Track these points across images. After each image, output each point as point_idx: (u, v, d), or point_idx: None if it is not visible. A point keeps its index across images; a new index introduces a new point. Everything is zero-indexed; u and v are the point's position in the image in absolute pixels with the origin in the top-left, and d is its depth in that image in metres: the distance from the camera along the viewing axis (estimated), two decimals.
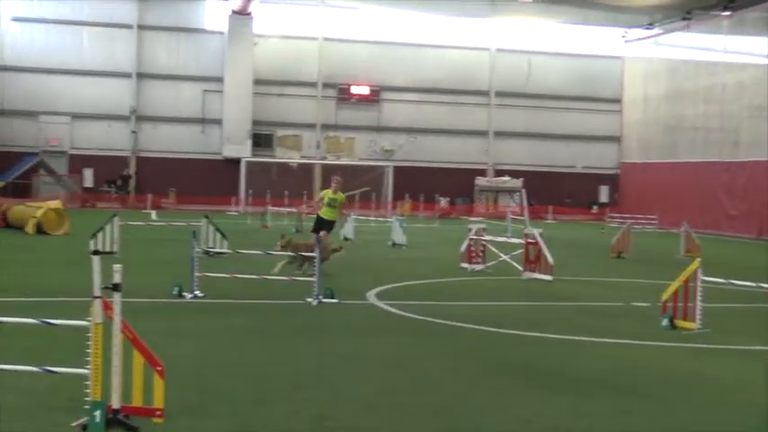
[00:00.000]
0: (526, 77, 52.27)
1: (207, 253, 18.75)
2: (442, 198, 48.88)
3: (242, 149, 48.17)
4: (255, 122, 49.08)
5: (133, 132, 48.64)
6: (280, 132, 50.54)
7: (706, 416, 8.03)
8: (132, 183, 48.17)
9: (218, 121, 48.83)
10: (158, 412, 6.91)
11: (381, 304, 14.14)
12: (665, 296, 12.81)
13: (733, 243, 34.43)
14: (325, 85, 50.57)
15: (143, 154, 48.81)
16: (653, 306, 13.61)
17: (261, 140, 49.66)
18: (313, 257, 14.33)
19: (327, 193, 19.47)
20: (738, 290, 14.44)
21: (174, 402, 7.17)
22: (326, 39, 50.27)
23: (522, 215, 25.14)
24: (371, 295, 15.04)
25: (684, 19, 44.65)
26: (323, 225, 19.20)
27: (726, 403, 8.53)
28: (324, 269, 14.64)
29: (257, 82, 48.82)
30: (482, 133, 52.39)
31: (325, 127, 50.97)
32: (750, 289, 13.97)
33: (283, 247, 17.15)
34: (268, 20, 49.28)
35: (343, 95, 50.79)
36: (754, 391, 9.09)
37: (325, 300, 13.80)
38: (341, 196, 19.55)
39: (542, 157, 52.02)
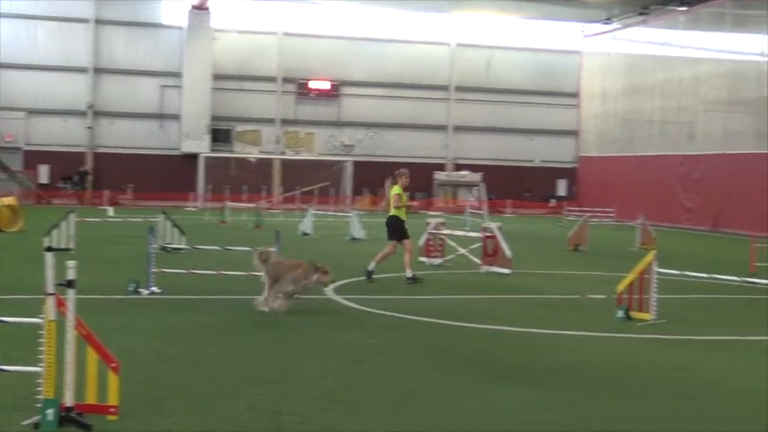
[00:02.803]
0: (486, 72, 52.48)
1: (164, 249, 18.62)
2: None
3: (201, 145, 47.89)
4: (214, 118, 48.82)
5: (90, 128, 48.17)
6: (239, 127, 50.32)
7: (663, 405, 8.12)
8: (89, 179, 47.68)
9: (177, 117, 48.49)
10: (112, 409, 6.85)
11: (340, 299, 14.14)
12: (620, 288, 12.93)
13: (688, 235, 34.83)
14: (285, 80, 50.42)
15: (100, 150, 48.35)
16: (609, 298, 13.73)
17: (220, 136, 49.42)
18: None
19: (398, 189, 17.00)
20: (693, 281, 14.60)
21: (129, 399, 7.12)
22: (286, 33, 50.12)
23: (480, 209, 25.20)
24: (330, 290, 15.01)
25: (642, 14, 45.06)
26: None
27: (681, 392, 8.63)
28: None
29: (216, 77, 48.56)
30: (441, 128, 52.52)
31: (285, 122, 50.82)
32: (704, 280, 14.15)
33: (263, 262, 12.93)
34: (227, 15, 49.01)
35: (303, 90, 50.66)
36: (709, 380, 9.22)
37: None
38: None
39: (501, 152, 52.27)
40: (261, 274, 12.76)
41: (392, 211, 17.00)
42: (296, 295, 12.68)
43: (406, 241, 16.84)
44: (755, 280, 13.82)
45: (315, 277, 12.61)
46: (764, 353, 10.76)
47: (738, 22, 38.03)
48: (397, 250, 17.00)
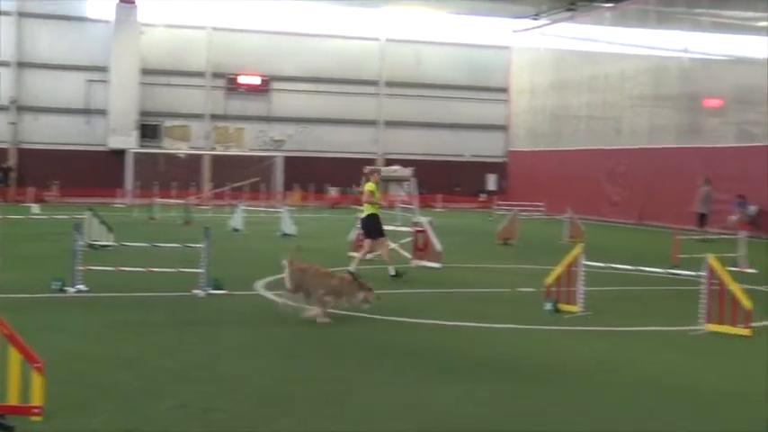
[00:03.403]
0: (416, 67, 52.65)
1: (91, 246, 18.33)
2: (332, 188, 48.89)
3: (128, 140, 47.19)
4: (142, 113, 48.17)
5: (13, 123, 47.14)
6: (168, 123, 49.73)
7: (591, 395, 8.26)
8: (13, 175, 46.66)
9: (104, 112, 47.72)
10: (36, 410, 6.71)
11: (270, 294, 14.07)
12: (548, 281, 13.11)
13: (615, 228, 35.40)
14: (214, 75, 49.97)
15: (24, 146, 47.34)
16: (538, 291, 13.89)
17: (148, 131, 48.76)
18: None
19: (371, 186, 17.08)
20: (619, 273, 14.85)
21: (54, 399, 6.98)
22: (215, 28, 49.65)
23: (411, 204, 25.29)
24: (260, 286, 14.95)
25: (569, 10, 45.63)
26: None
27: (608, 382, 8.79)
28: None
29: (144, 72, 47.90)
30: (372, 123, 52.58)
31: (215, 117, 50.38)
32: (629, 272, 14.41)
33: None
34: (154, 9, 48.37)
35: (233, 85, 50.27)
36: (635, 370, 9.40)
37: (212, 291, 13.66)
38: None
39: (432, 146, 52.50)
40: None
41: (366, 211, 17.08)
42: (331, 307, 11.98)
43: (369, 241, 17.01)
44: (678, 271, 14.13)
45: (361, 295, 11.98)
46: (689, 342, 11.00)
47: (662, 19, 38.73)
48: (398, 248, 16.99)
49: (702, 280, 11.75)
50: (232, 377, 8.56)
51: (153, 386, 8.08)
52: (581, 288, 12.77)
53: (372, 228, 17.03)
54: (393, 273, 16.70)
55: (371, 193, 16.95)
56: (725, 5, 34.98)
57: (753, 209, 31.56)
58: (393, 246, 20.04)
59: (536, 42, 49.05)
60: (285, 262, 12.19)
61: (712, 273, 11.61)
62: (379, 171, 17.63)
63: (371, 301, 12.04)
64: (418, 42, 52.58)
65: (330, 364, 9.32)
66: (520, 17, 49.78)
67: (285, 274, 12.12)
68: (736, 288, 11.41)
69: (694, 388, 8.67)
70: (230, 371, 8.83)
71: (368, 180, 17.31)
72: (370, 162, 51.41)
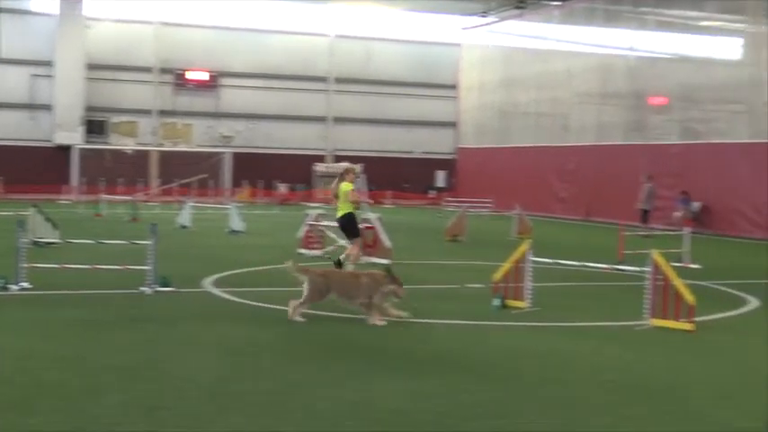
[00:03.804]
0: (365, 64, 52.61)
1: (36, 243, 18.07)
2: (281, 184, 48.71)
3: (74, 136, 46.53)
4: (89, 108, 47.54)
5: None
6: (114, 119, 49.11)
7: (537, 390, 8.31)
8: None
9: (49, 107, 47.00)
10: None
11: (218, 292, 14.00)
12: (496, 277, 13.19)
13: (562, 224, 35.74)
14: (162, 71, 49.47)
15: None
16: (486, 287, 13.97)
17: (94, 127, 48.12)
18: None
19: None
20: (566, 269, 14.99)
21: None
22: (163, 23, 49.16)
23: (361, 200, 25.30)
24: (208, 283, 14.86)
25: (518, 8, 45.91)
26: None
27: (555, 377, 8.86)
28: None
29: (90, 67, 47.26)
30: (321, 119, 52.46)
31: (162, 113, 49.89)
32: (576, 268, 14.56)
33: (303, 272, 12.01)
34: (100, 3, 47.73)
35: (181, 81, 49.81)
36: (581, 365, 9.49)
37: (159, 288, 13.54)
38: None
39: (381, 143, 52.54)
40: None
41: (342, 210, 16.91)
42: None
43: (355, 239, 17.07)
44: (623, 267, 14.28)
45: (392, 288, 11.76)
46: (635, 337, 11.14)
47: (609, 18, 39.15)
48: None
49: (647, 275, 11.90)
50: (179, 375, 8.49)
51: (97, 385, 7.98)
52: (528, 284, 12.87)
53: (353, 227, 17.01)
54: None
55: (351, 192, 16.85)
56: (670, 5, 35.47)
57: (696, 205, 32.08)
58: (342, 243, 20.04)
59: (485, 40, 49.31)
60: (298, 273, 11.89)
61: (657, 268, 11.77)
62: (354, 170, 17.45)
63: (401, 296, 11.89)
64: (368, 39, 52.54)
65: (279, 361, 9.28)
66: (469, 14, 49.96)
67: (305, 285, 11.71)
68: (679, 283, 11.58)
69: (639, 382, 8.77)
70: (177, 369, 8.76)
71: (342, 179, 17.07)
72: (320, 159, 51.37)
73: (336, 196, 16.98)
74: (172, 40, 49.08)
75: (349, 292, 11.80)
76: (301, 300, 11.68)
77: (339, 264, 16.65)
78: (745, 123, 32.60)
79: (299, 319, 11.54)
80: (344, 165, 17.63)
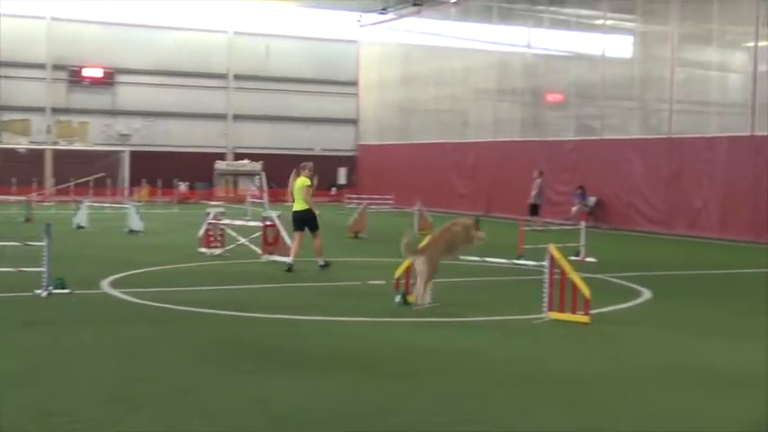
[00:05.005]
0: (264, 60, 52.27)
1: None
2: (180, 183, 48.05)
3: None
4: None
5: None
6: (5, 116, 47.72)
7: (438, 384, 8.41)
8: None
9: None
10: None
11: (116, 293, 13.76)
12: (397, 273, 13.28)
13: None
14: (56, 67, 48.24)
15: None
16: (388, 283, 14.05)
17: None
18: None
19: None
20: (466, 264, 15.17)
21: None
22: (55, 18, 47.93)
23: (262, 198, 25.17)
24: (106, 284, 14.59)
25: (415, 5, 46.16)
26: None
27: (453, 372, 8.97)
28: None
29: None
30: (221, 116, 51.91)
31: (56, 111, 48.65)
32: (476, 263, 14.75)
33: (418, 253, 12.72)
34: None
35: (76, 78, 48.64)
36: (481, 359, 9.63)
37: (55, 291, 13.23)
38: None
39: (282, 140, 52.25)
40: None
41: (301, 205, 17.38)
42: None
43: (316, 233, 17.61)
44: (523, 262, 14.54)
45: (479, 234, 13.10)
46: (533, 330, 11.36)
47: (505, 16, 39.71)
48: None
49: (545, 270, 12.14)
50: (76, 378, 8.33)
51: None
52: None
53: (313, 220, 17.53)
54: (323, 263, 17.51)
55: (309, 188, 17.37)
56: (564, 4, 36.15)
57: (592, 200, 32.81)
58: (243, 241, 19.92)
59: (384, 37, 49.52)
60: (413, 255, 12.61)
61: (554, 262, 12.02)
62: (309, 165, 17.92)
63: (485, 238, 13.16)
64: (267, 35, 52.20)
65: (179, 361, 9.18)
66: (368, 11, 50.08)
67: (420, 265, 12.48)
68: (576, 277, 11.85)
69: (536, 374, 8.95)
70: (74, 372, 8.59)
71: (299, 175, 17.59)
72: (220, 156, 50.84)
73: (293, 192, 17.55)
74: (65, 35, 47.89)
75: (451, 247, 12.86)
76: (424, 280, 12.41)
77: (290, 269, 17.04)
78: (637, 120, 33.50)
79: (430, 302, 12.39)
80: (304, 163, 18.09)
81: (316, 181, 17.87)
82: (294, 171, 17.85)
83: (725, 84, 31.01)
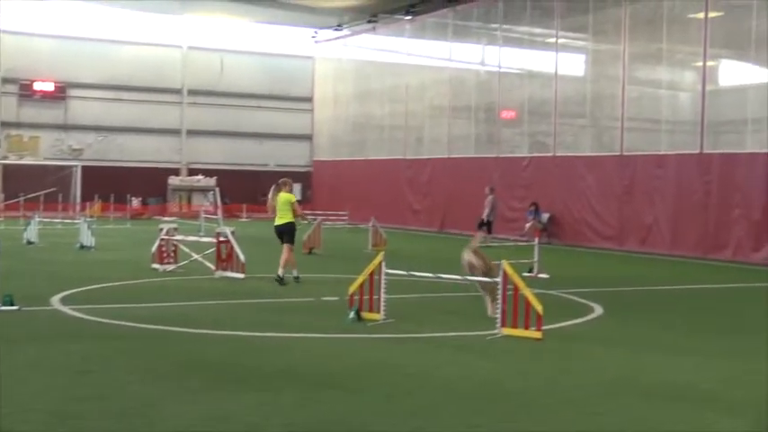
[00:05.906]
0: (219, 76, 52.09)
1: None
2: (133, 198, 47.64)
3: None
4: None
5: None
6: None
7: (392, 400, 8.41)
8: None
9: None
10: None
11: (66, 309, 13.59)
12: (351, 289, 13.28)
13: (417, 236, 36.24)
14: (5, 81, 47.67)
15: None
16: (342, 299, 14.04)
17: None
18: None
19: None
20: (420, 281, 15.21)
21: None
22: (5, 31, 47.34)
23: (216, 214, 25.06)
24: (56, 300, 14.41)
25: (370, 22, 46.35)
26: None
27: (407, 388, 8.97)
28: None
29: None
30: (175, 132, 51.61)
31: (6, 125, 48.03)
32: (430, 279, 14.79)
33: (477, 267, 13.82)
34: None
35: (27, 92, 48.09)
36: (435, 375, 9.65)
37: (3, 307, 13.04)
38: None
39: (236, 156, 52.08)
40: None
41: (285, 218, 17.97)
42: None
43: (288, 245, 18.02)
44: (476, 278, 14.57)
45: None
46: (486, 346, 11.41)
47: (459, 33, 39.98)
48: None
49: (498, 286, 12.21)
50: (23, 396, 8.21)
51: None
52: (383, 296, 13.01)
53: (293, 235, 18.15)
54: (281, 276, 17.71)
55: (297, 203, 18.31)
56: (517, 22, 36.49)
57: (545, 216, 33.08)
58: (196, 257, 19.81)
59: (339, 53, 49.63)
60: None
61: (507, 278, 12.09)
62: (289, 182, 18.59)
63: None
64: (221, 51, 52.06)
65: (130, 379, 9.08)
66: (322, 28, 50.17)
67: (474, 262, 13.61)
68: (528, 293, 11.93)
69: (489, 389, 8.99)
70: (23, 389, 8.47)
71: (279, 190, 18.15)
72: (174, 172, 50.52)
73: (274, 207, 18.09)
74: (16, 49, 47.29)
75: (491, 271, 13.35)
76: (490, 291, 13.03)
77: (280, 280, 17.51)
78: (589, 137, 33.86)
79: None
80: (284, 179, 18.61)
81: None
82: (274, 187, 18.33)
83: (675, 102, 31.49)
